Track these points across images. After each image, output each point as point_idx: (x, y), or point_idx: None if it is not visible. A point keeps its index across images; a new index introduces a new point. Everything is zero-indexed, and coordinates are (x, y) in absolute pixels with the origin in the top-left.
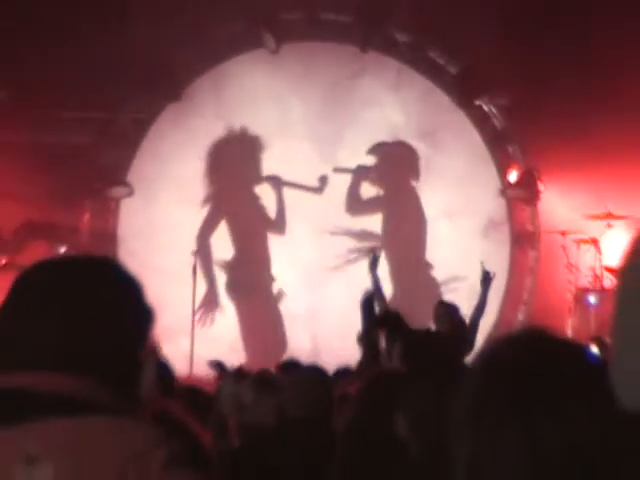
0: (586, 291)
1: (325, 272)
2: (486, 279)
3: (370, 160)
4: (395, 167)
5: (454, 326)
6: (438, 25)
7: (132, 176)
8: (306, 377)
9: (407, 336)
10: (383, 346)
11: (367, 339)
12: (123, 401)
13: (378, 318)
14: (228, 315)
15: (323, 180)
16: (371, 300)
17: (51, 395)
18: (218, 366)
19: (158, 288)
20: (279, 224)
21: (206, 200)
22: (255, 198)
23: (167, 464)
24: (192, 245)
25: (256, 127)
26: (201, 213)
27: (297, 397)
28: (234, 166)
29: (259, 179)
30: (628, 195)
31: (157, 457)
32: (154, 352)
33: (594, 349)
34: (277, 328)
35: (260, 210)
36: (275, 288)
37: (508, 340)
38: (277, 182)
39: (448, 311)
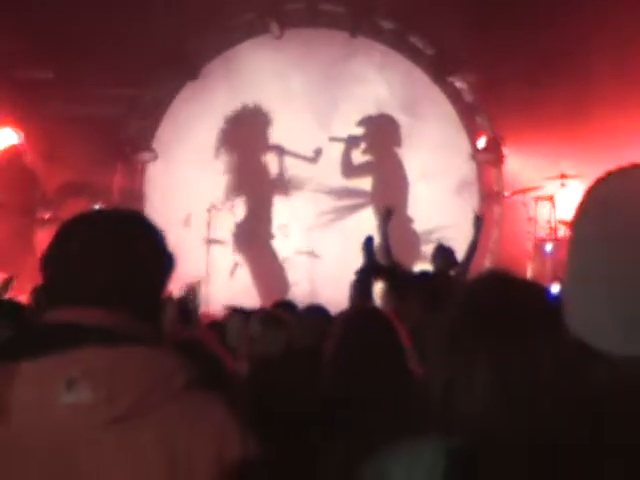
0: (543, 241)
1: (323, 225)
2: (478, 222)
3: (360, 130)
4: (381, 136)
5: (449, 265)
6: (417, 14)
7: (156, 143)
8: (312, 312)
9: (404, 278)
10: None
11: (362, 280)
12: (150, 333)
13: (379, 267)
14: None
15: (317, 152)
16: (371, 242)
17: (92, 327)
18: (231, 309)
19: (177, 238)
20: (282, 186)
21: (225, 167)
22: (263, 164)
23: (187, 386)
24: (206, 201)
25: (263, 101)
26: (213, 174)
27: (304, 329)
28: (247, 137)
29: (266, 148)
30: (579, 158)
31: (179, 380)
32: (195, 289)
33: (556, 287)
34: (279, 274)
35: (267, 174)
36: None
37: (478, 280)
38: (280, 151)
39: (445, 253)
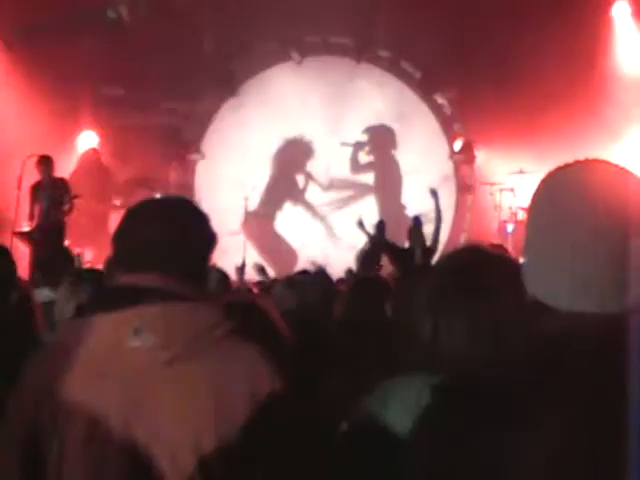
0: (506, 222)
1: (336, 211)
2: (434, 194)
3: (364, 137)
4: (380, 141)
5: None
6: (407, 46)
7: (204, 146)
8: (317, 276)
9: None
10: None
11: (371, 255)
12: (198, 293)
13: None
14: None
15: (332, 182)
16: (383, 225)
17: (152, 289)
18: (260, 269)
19: (220, 221)
20: (301, 196)
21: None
22: (293, 180)
23: (227, 335)
24: (243, 192)
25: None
26: (248, 171)
27: (313, 288)
28: (290, 159)
29: (300, 169)
30: (535, 157)
31: (220, 329)
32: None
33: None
34: (288, 247)
35: (292, 188)
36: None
37: (456, 252)
38: (308, 175)
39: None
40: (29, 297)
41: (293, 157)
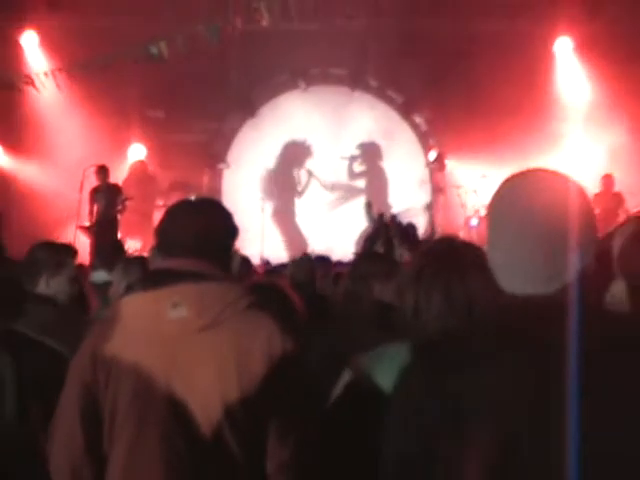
0: (470, 218)
1: (336, 208)
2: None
3: (357, 151)
4: (370, 155)
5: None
6: (392, 76)
7: (229, 157)
8: (302, 259)
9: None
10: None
11: (371, 241)
12: (225, 274)
13: (382, 231)
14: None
15: (333, 186)
16: (382, 216)
17: (186, 271)
18: (266, 261)
19: (242, 217)
20: (301, 192)
21: (276, 175)
22: (296, 177)
23: (248, 307)
24: (259, 194)
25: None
26: (263, 178)
27: (299, 269)
28: (292, 159)
29: (302, 167)
30: (494, 165)
31: (242, 303)
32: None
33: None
34: (300, 235)
35: (296, 184)
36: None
37: (434, 241)
38: (310, 172)
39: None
40: (81, 281)
41: (295, 156)
